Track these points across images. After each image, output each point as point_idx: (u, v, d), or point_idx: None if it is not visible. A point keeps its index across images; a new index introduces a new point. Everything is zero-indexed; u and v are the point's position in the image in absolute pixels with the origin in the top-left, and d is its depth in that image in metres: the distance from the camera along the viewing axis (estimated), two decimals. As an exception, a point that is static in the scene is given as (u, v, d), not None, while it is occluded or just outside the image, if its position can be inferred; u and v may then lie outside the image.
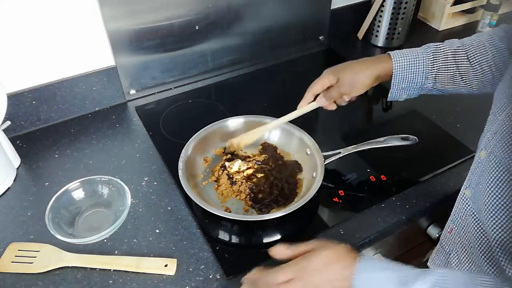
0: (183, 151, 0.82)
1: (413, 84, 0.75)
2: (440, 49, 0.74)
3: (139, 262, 0.69)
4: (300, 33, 1.20)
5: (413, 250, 0.92)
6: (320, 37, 1.24)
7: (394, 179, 0.83)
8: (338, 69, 0.77)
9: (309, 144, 0.84)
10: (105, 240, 0.73)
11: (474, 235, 0.62)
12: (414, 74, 0.74)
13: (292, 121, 0.87)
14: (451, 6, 1.30)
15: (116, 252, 0.71)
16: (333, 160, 0.80)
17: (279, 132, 0.90)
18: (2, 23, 0.82)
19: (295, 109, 0.80)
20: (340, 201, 0.79)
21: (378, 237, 0.75)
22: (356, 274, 0.50)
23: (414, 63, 0.74)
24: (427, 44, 0.76)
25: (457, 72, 0.73)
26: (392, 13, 1.20)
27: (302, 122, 0.87)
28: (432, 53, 0.74)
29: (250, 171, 0.83)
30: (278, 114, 0.92)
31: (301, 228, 0.75)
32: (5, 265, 0.68)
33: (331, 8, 1.22)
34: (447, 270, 0.52)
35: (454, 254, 0.68)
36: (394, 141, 0.82)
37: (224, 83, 1.11)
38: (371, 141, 0.81)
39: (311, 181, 0.79)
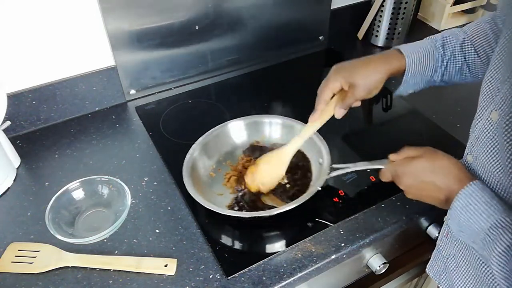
0: (188, 153, 0.82)
1: (422, 79, 0.74)
2: (448, 42, 0.73)
3: (139, 262, 0.69)
4: (300, 33, 1.20)
5: (413, 250, 0.92)
6: (320, 37, 1.24)
7: (394, 179, 0.83)
8: (347, 72, 0.72)
9: (323, 153, 0.81)
10: (105, 240, 0.73)
11: None
12: (425, 69, 0.73)
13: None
14: (451, 6, 1.30)
15: (116, 252, 0.71)
16: (340, 175, 0.78)
17: (280, 129, 0.90)
18: (2, 23, 0.82)
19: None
20: (340, 201, 0.79)
21: (378, 237, 0.75)
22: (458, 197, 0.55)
23: (425, 59, 0.72)
24: (431, 37, 0.75)
25: (465, 64, 0.72)
26: (392, 13, 1.20)
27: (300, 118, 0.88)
28: (440, 46, 0.73)
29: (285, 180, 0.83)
30: (277, 115, 0.92)
31: (301, 228, 0.75)
32: (5, 265, 0.68)
33: (331, 8, 1.22)
34: None
35: (451, 259, 0.67)
36: None
37: (224, 83, 1.11)
38: (384, 160, 0.73)
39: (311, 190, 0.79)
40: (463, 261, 0.65)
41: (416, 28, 1.32)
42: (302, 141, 0.78)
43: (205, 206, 0.72)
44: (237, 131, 0.90)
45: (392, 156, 0.67)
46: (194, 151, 0.83)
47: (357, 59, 0.74)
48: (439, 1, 1.31)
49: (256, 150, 0.88)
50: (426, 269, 0.75)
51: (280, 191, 0.80)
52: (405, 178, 0.63)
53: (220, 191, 0.81)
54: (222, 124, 0.89)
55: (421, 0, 1.37)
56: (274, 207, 0.76)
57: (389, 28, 1.23)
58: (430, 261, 0.74)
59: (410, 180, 0.62)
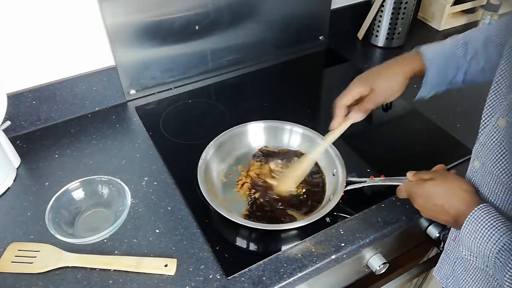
0: (202, 156, 0.81)
1: (444, 80, 0.73)
2: (470, 41, 0.71)
3: (139, 262, 0.69)
4: (300, 33, 1.20)
5: (413, 250, 0.92)
6: (320, 37, 1.24)
7: (394, 179, 0.83)
8: (368, 78, 0.73)
9: (337, 165, 0.81)
10: (105, 240, 0.73)
11: None
12: (447, 70, 0.72)
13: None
14: (451, 6, 1.30)
15: (116, 252, 0.71)
16: (355, 188, 0.78)
17: (300, 138, 0.89)
18: (2, 23, 0.82)
19: (334, 117, 0.75)
20: (340, 201, 0.79)
21: (378, 237, 0.75)
22: (467, 220, 0.56)
23: (446, 59, 0.71)
24: (453, 36, 0.74)
25: (488, 63, 0.70)
26: (392, 13, 1.20)
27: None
28: (462, 46, 0.71)
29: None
30: (278, 115, 0.92)
31: (301, 228, 0.75)
32: (5, 265, 0.68)
33: (331, 8, 1.22)
34: None
35: (459, 262, 0.67)
36: None
37: (224, 83, 1.11)
38: (401, 178, 0.75)
39: (326, 201, 0.79)
40: (471, 265, 0.65)
41: (416, 28, 1.32)
42: (323, 149, 0.80)
43: (226, 216, 0.71)
44: (255, 134, 0.89)
45: (408, 175, 0.70)
46: (208, 153, 0.82)
47: (376, 66, 0.75)
48: (439, 1, 1.31)
49: (267, 155, 0.88)
50: (434, 273, 0.74)
51: (295, 202, 0.80)
52: (418, 200, 0.66)
53: (233, 198, 0.80)
54: (241, 125, 0.88)
55: (421, 0, 1.37)
56: (291, 216, 0.77)
57: (389, 28, 1.23)
58: (437, 264, 0.73)
59: (422, 202, 0.65)
